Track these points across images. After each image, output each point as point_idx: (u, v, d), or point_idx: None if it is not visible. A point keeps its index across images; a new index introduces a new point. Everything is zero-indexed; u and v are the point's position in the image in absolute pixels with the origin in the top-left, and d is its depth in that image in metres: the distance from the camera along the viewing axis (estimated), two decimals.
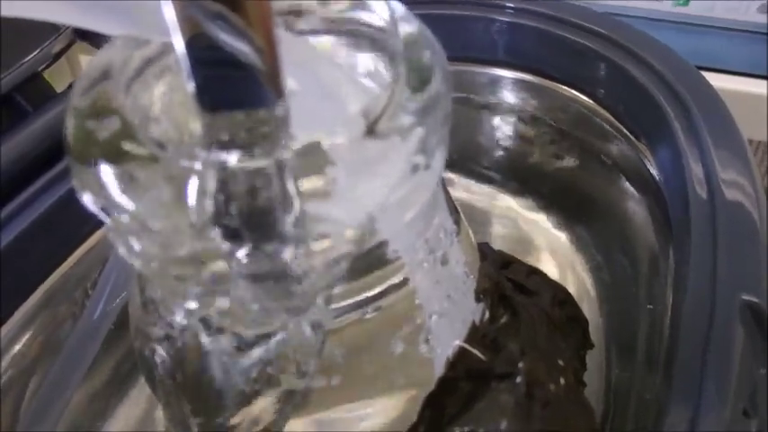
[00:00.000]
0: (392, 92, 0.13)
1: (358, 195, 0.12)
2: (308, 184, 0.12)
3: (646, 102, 0.25)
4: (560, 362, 0.21)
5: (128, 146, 0.12)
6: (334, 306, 0.15)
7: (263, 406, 0.15)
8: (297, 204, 0.12)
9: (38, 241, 0.23)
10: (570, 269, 0.30)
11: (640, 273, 0.25)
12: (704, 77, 0.25)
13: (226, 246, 0.12)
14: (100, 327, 0.22)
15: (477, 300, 0.19)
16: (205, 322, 0.14)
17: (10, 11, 0.13)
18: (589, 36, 0.28)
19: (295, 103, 0.13)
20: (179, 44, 0.11)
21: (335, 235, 0.12)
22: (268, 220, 0.12)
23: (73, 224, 0.24)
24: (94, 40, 0.29)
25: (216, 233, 0.12)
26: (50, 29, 0.27)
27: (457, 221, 0.18)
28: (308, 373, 0.14)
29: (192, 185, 0.12)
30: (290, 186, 0.12)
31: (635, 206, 0.27)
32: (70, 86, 0.27)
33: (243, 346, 0.14)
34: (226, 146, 0.12)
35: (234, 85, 0.12)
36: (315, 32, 0.15)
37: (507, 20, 0.29)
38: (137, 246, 0.13)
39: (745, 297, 0.17)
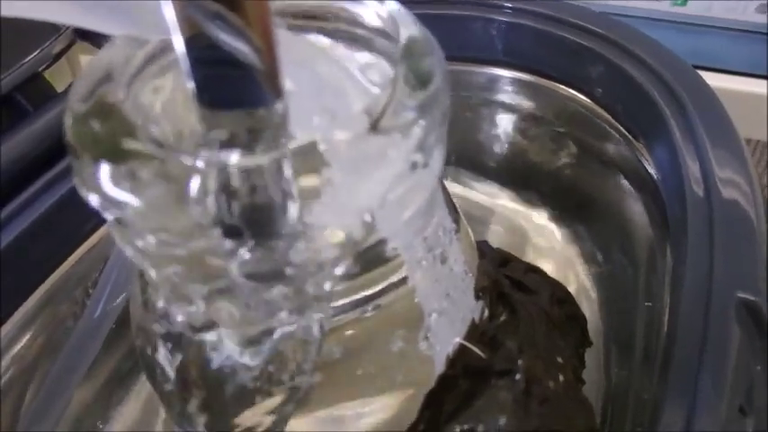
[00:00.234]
0: (392, 90, 0.13)
1: (357, 193, 0.12)
2: (308, 182, 0.12)
3: (643, 101, 0.25)
4: (559, 359, 0.21)
5: (129, 144, 0.12)
6: (333, 304, 0.15)
7: (264, 404, 0.15)
8: (296, 202, 0.12)
9: (38, 241, 0.23)
10: (569, 267, 0.30)
11: (638, 271, 0.26)
12: (700, 76, 0.25)
13: (226, 244, 0.12)
14: (101, 326, 0.22)
15: (477, 298, 0.19)
16: (206, 320, 0.14)
17: (11, 11, 0.13)
18: (587, 36, 0.28)
19: (295, 102, 0.13)
20: (179, 43, 0.11)
21: (335, 233, 0.12)
22: (268, 218, 0.12)
23: (73, 223, 0.24)
24: (95, 40, 0.29)
25: (216, 231, 0.12)
26: (51, 29, 0.28)
27: (456, 220, 0.18)
28: (308, 372, 0.14)
29: (193, 184, 0.12)
30: (290, 185, 0.12)
31: (633, 205, 0.27)
32: (71, 86, 0.27)
33: (243, 344, 0.14)
34: (226, 145, 0.12)
35: (233, 85, 0.12)
36: (314, 32, 0.16)
37: (505, 19, 0.29)
38: (138, 244, 0.13)
39: (742, 295, 0.17)
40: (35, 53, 0.27)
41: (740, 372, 0.16)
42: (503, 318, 0.20)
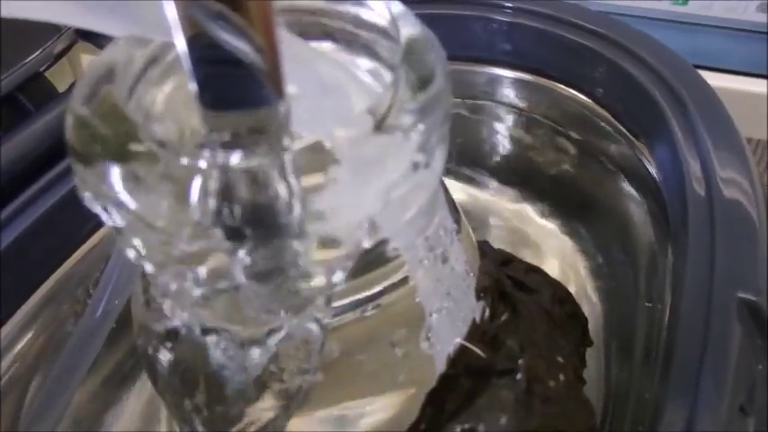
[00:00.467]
0: (395, 91, 0.13)
1: (360, 194, 0.12)
2: (310, 182, 0.12)
3: (644, 100, 0.25)
4: (560, 359, 0.21)
5: (130, 145, 0.12)
6: (334, 304, 0.15)
7: (266, 403, 0.15)
8: (298, 203, 0.12)
9: (39, 240, 0.23)
10: (570, 267, 0.30)
11: (639, 270, 0.26)
12: (701, 76, 0.25)
13: (228, 244, 0.12)
14: (102, 325, 0.22)
15: (478, 297, 0.19)
16: (207, 321, 0.14)
17: (12, 12, 0.13)
18: (588, 35, 0.28)
19: (297, 103, 0.13)
20: (181, 43, 0.11)
21: (337, 233, 0.12)
22: (270, 218, 0.12)
23: (75, 223, 0.24)
24: (96, 39, 0.29)
25: (218, 232, 0.12)
26: (52, 29, 0.28)
27: (457, 220, 0.18)
28: (309, 371, 0.14)
29: (195, 184, 0.12)
30: (292, 185, 0.12)
31: (634, 205, 0.27)
32: (72, 86, 0.27)
33: (245, 343, 0.14)
34: (228, 145, 0.12)
35: (235, 85, 0.12)
36: (316, 32, 0.16)
37: (506, 19, 0.29)
38: (140, 244, 0.13)
39: (743, 295, 0.17)
40: (37, 53, 0.27)
41: (741, 371, 0.16)
42: (504, 317, 0.20)
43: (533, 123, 0.31)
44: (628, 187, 0.28)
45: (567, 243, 0.31)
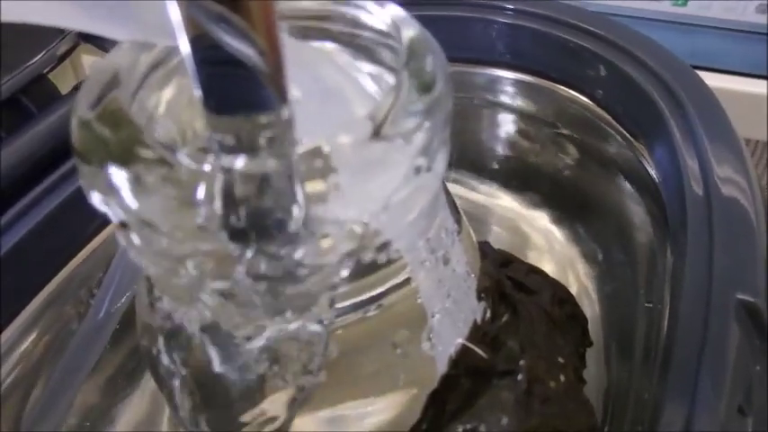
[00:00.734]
0: (396, 96, 0.13)
1: (362, 197, 0.12)
2: (313, 186, 0.12)
3: (643, 102, 0.25)
4: (560, 359, 0.21)
5: (135, 149, 0.12)
6: (337, 305, 0.15)
7: (269, 404, 0.15)
8: (302, 206, 0.12)
9: (43, 241, 0.23)
10: (570, 267, 0.30)
11: (639, 271, 0.26)
12: (699, 77, 0.26)
13: (232, 247, 0.12)
14: (105, 326, 0.22)
15: (479, 298, 0.19)
16: (212, 321, 0.14)
17: (18, 16, 0.13)
18: (587, 37, 0.28)
19: (300, 107, 0.13)
20: (185, 46, 0.11)
21: (340, 236, 0.12)
22: (273, 221, 0.12)
23: (77, 224, 0.24)
24: (99, 42, 0.29)
25: (222, 235, 0.12)
26: (55, 31, 0.28)
27: (458, 221, 0.18)
28: (313, 371, 0.15)
29: (200, 188, 0.12)
30: (296, 189, 0.12)
31: (633, 205, 0.27)
32: (75, 88, 0.28)
33: (249, 344, 0.14)
34: (232, 149, 0.12)
35: (239, 89, 0.12)
36: (318, 36, 0.16)
37: (506, 21, 0.29)
38: (145, 246, 0.13)
39: (741, 296, 0.17)
40: (40, 55, 0.27)
41: (739, 372, 0.16)
42: (504, 318, 0.21)
43: (534, 124, 0.31)
44: (627, 188, 0.28)
45: (567, 243, 0.31)
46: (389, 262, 0.15)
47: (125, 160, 0.12)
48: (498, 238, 0.32)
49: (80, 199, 0.13)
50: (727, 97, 0.24)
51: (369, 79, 0.15)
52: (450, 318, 0.17)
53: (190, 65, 0.12)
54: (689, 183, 0.21)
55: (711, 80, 0.25)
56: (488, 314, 0.20)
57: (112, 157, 0.12)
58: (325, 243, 0.12)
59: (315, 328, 0.14)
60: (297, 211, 0.12)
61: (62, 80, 0.28)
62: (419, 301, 0.16)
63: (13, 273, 0.22)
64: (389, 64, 0.15)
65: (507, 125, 0.32)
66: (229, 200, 0.12)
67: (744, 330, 0.17)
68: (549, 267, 0.29)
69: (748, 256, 0.19)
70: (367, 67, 0.16)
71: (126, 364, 0.26)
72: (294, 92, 0.13)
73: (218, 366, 0.15)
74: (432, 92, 0.13)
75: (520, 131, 0.32)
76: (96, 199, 0.13)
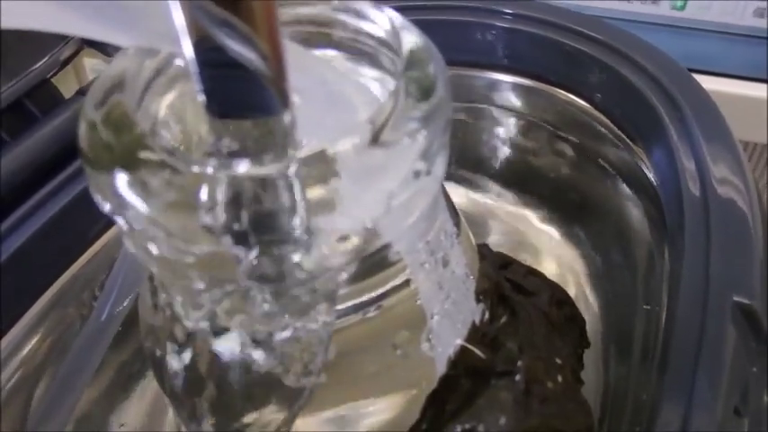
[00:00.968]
0: (395, 101, 0.13)
1: (362, 201, 0.12)
2: (315, 190, 0.12)
3: (641, 105, 0.26)
4: (558, 360, 0.21)
5: (141, 153, 0.13)
6: (338, 307, 0.15)
7: (272, 405, 0.15)
8: (303, 210, 0.12)
9: (46, 244, 0.23)
10: (568, 270, 0.31)
11: (637, 273, 0.26)
12: (696, 80, 0.26)
13: (235, 250, 0.12)
14: (108, 328, 0.23)
15: (477, 300, 0.19)
16: (215, 323, 0.14)
17: (22, 23, 0.13)
18: (586, 41, 0.28)
19: (301, 111, 0.13)
20: (188, 50, 0.12)
21: (340, 239, 0.13)
22: (276, 225, 0.12)
23: (81, 227, 0.24)
24: (102, 46, 0.29)
25: (225, 238, 0.12)
26: (58, 36, 0.28)
27: (457, 223, 0.18)
28: (315, 372, 0.15)
29: (203, 192, 0.12)
30: (297, 193, 0.12)
31: (632, 208, 0.27)
32: (78, 92, 0.28)
33: (251, 345, 0.14)
34: (235, 154, 0.13)
35: (241, 93, 0.12)
36: (319, 42, 0.16)
37: (504, 25, 0.30)
38: (149, 249, 0.13)
39: (737, 299, 0.18)
40: (43, 60, 0.27)
41: (735, 373, 0.16)
42: (503, 320, 0.21)
43: (532, 127, 0.32)
44: (625, 190, 0.28)
45: (565, 246, 0.31)
46: (389, 264, 0.15)
47: (130, 163, 0.12)
48: (497, 240, 0.32)
49: (83, 201, 0.13)
50: (727, 100, 0.24)
51: (370, 85, 0.15)
52: (449, 319, 0.17)
53: (193, 69, 0.12)
54: (686, 185, 0.22)
55: (710, 83, 0.25)
56: (487, 315, 0.20)
57: (118, 161, 0.13)
58: (327, 246, 0.13)
59: (316, 329, 0.14)
60: (299, 215, 0.12)
61: (65, 84, 0.28)
62: (419, 302, 0.16)
63: (17, 275, 0.23)
64: (390, 70, 0.15)
65: (506, 128, 0.32)
66: (232, 203, 0.12)
67: (740, 332, 0.17)
68: (547, 269, 0.29)
69: (745, 259, 0.19)
70: (368, 72, 0.16)
71: (129, 365, 0.26)
72: (296, 97, 0.13)
73: (220, 367, 0.15)
74: (431, 97, 0.13)
75: (518, 135, 0.32)
76: (101, 203, 0.13)
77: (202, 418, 0.15)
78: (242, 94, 0.12)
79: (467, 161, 0.34)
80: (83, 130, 0.13)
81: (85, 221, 0.24)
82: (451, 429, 0.19)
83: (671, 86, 0.25)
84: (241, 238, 0.12)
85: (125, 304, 0.23)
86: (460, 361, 0.18)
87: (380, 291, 0.16)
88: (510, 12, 0.30)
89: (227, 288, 0.13)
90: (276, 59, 0.12)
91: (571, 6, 0.31)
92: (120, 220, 0.13)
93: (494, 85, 0.31)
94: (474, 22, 0.30)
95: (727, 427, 0.16)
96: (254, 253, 0.12)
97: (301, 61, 0.14)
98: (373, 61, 0.16)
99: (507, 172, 0.33)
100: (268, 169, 0.12)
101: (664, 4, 0.45)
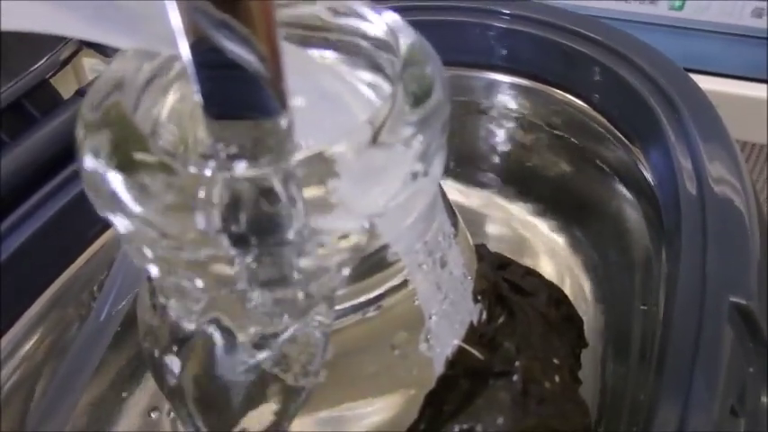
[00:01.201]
0: (393, 103, 0.13)
1: (360, 202, 0.12)
2: (313, 192, 0.12)
3: (638, 105, 0.26)
4: (556, 360, 0.21)
5: (138, 155, 0.13)
6: (336, 307, 0.15)
7: (270, 405, 0.15)
8: (301, 212, 0.12)
9: (45, 244, 0.23)
10: (566, 270, 0.31)
11: (635, 273, 0.26)
12: (693, 81, 0.26)
13: (233, 251, 0.12)
14: (106, 328, 0.23)
15: (475, 300, 0.19)
16: (212, 324, 0.14)
17: (22, 25, 0.13)
18: (584, 42, 0.28)
19: (299, 113, 0.13)
20: (186, 52, 0.12)
21: (339, 241, 0.13)
22: (274, 226, 0.12)
23: (80, 227, 0.24)
24: (101, 47, 0.29)
25: (223, 239, 0.12)
26: (57, 37, 0.28)
27: (455, 224, 0.18)
28: (313, 373, 0.15)
29: (201, 193, 0.12)
30: (295, 194, 0.12)
31: (629, 208, 0.27)
32: (77, 93, 0.28)
33: (249, 346, 0.14)
34: (233, 155, 0.13)
35: (239, 94, 0.12)
36: (317, 44, 0.16)
37: (502, 25, 0.30)
38: (147, 251, 0.13)
39: (734, 299, 0.18)
40: (42, 60, 0.27)
41: (732, 374, 0.16)
42: (501, 320, 0.21)
43: (530, 128, 0.32)
44: (623, 191, 0.28)
45: (563, 246, 0.31)
46: (388, 265, 0.16)
47: (128, 165, 0.12)
48: (495, 241, 0.32)
49: (82, 202, 0.13)
50: (725, 100, 0.24)
51: (368, 87, 0.16)
52: (447, 319, 0.18)
53: (191, 70, 0.12)
54: (683, 185, 0.22)
55: (709, 83, 0.25)
56: (485, 316, 0.20)
57: (116, 163, 0.13)
58: (325, 248, 0.13)
59: (315, 330, 0.14)
60: (297, 217, 0.12)
61: (64, 85, 0.28)
62: (417, 302, 0.16)
63: (16, 275, 0.23)
64: (388, 71, 0.15)
65: (504, 129, 0.32)
66: (231, 205, 0.12)
67: (737, 332, 0.17)
68: (545, 269, 0.29)
69: (742, 259, 0.19)
70: (366, 74, 0.16)
71: (127, 365, 0.26)
72: (294, 98, 0.13)
73: (219, 368, 0.15)
74: (429, 99, 0.13)
75: (517, 135, 0.32)
76: (98, 206, 0.13)
77: (200, 418, 0.16)
78: (240, 96, 0.12)
79: (464, 162, 0.34)
80: (80, 132, 0.13)
81: (84, 222, 0.24)
82: (449, 429, 0.19)
83: (668, 87, 0.25)
84: (240, 241, 0.12)
85: (124, 304, 0.23)
86: (458, 361, 0.18)
87: (378, 291, 0.16)
88: (508, 12, 0.30)
89: (224, 289, 0.13)
90: (274, 61, 0.12)
91: (569, 6, 0.31)
92: (117, 222, 0.13)
93: (492, 86, 0.31)
94: (472, 22, 0.30)
95: (724, 427, 0.16)
96: (252, 255, 0.12)
97: (299, 63, 0.14)
98: (371, 63, 0.16)
99: (505, 172, 0.33)
100: (265, 171, 0.12)
101: (662, 4, 0.45)
